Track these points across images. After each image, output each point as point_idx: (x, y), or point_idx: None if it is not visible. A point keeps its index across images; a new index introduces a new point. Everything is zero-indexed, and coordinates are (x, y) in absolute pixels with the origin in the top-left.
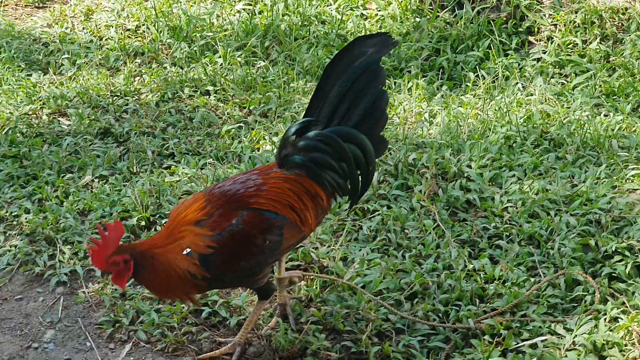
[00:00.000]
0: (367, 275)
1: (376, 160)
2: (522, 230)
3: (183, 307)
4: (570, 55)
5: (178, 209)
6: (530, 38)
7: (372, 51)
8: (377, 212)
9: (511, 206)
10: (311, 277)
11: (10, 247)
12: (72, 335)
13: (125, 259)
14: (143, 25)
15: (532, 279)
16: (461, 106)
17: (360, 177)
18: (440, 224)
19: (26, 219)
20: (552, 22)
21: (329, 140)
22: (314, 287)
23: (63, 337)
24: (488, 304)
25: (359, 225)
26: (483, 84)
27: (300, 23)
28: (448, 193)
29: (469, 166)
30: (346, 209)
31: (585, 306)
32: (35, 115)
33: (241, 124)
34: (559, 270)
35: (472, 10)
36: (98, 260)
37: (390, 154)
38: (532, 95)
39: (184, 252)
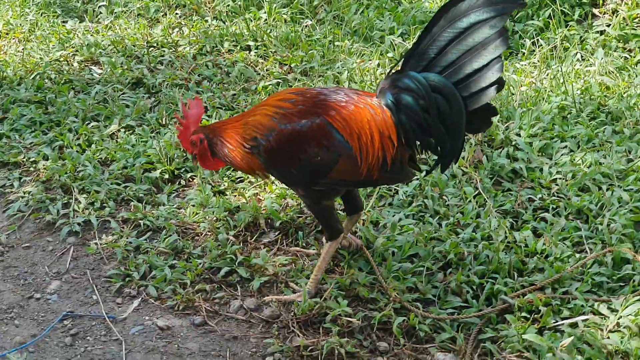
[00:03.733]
0: (398, 241)
1: (467, 132)
2: (570, 203)
3: (199, 264)
4: (635, 29)
5: (273, 95)
6: (595, 10)
7: (499, 6)
8: (415, 177)
9: (560, 178)
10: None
11: (24, 193)
12: (79, 287)
13: (200, 138)
14: None
15: (577, 255)
16: (515, 74)
17: (447, 138)
18: (482, 192)
19: (44, 165)
20: None
21: (418, 84)
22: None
23: (68, 289)
24: (527, 278)
25: (394, 189)
26: (540, 52)
27: None
28: (493, 161)
29: (518, 134)
30: None
31: (633, 286)
32: (66, 62)
33: (280, 81)
34: (607, 247)
35: None
36: (183, 140)
37: None
38: (591, 66)
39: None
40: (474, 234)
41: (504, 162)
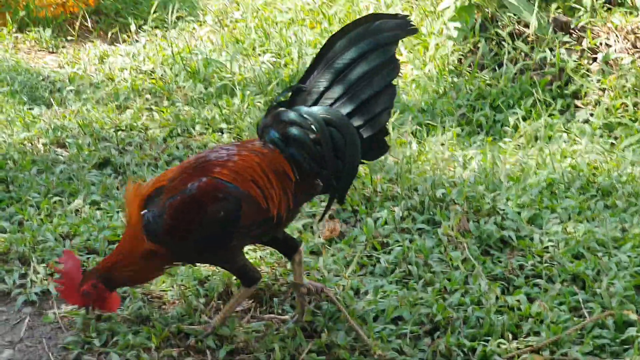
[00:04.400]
0: (381, 303)
1: (362, 161)
2: (565, 269)
3: (164, 328)
4: (619, 118)
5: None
6: (577, 102)
7: (389, 33)
8: (398, 244)
9: (552, 245)
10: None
11: None
12: (33, 355)
13: (92, 284)
14: (159, 68)
15: (575, 319)
16: (500, 153)
17: (340, 170)
18: (470, 256)
19: (1, 238)
20: (600, 86)
21: (308, 117)
22: (320, 314)
23: (22, 358)
24: (523, 339)
25: (376, 258)
26: (524, 133)
27: None
28: (481, 228)
29: (505, 205)
30: (363, 242)
31: (639, 348)
32: (30, 144)
33: None
34: (608, 311)
35: (514, 67)
36: (71, 298)
37: (417, 189)
38: (578, 145)
39: (142, 212)
40: (462, 298)
41: (492, 229)
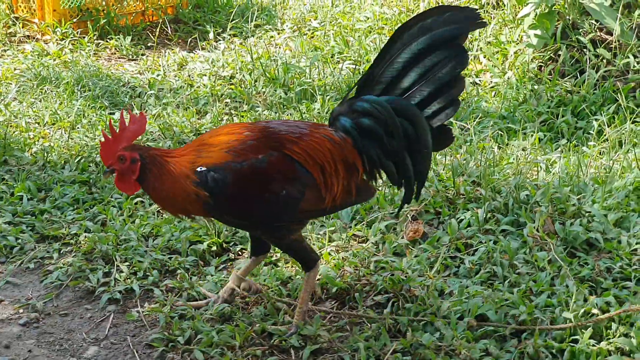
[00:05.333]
0: (465, 304)
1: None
2: None
3: (248, 327)
4: None
5: (214, 130)
6: None
7: (457, 25)
8: (482, 245)
9: None
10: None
11: (63, 264)
12: (118, 352)
13: (133, 157)
14: (238, 73)
15: None
16: (583, 158)
17: (411, 163)
18: (557, 257)
19: (85, 237)
20: None
21: (381, 108)
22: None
23: (107, 355)
24: (612, 342)
25: (459, 259)
26: (608, 138)
27: None
28: (566, 230)
29: (591, 207)
30: (446, 243)
31: None
32: None
33: None
34: None
35: (596, 74)
36: (107, 151)
37: (500, 192)
38: None
39: (198, 169)
40: (549, 299)
41: (578, 231)
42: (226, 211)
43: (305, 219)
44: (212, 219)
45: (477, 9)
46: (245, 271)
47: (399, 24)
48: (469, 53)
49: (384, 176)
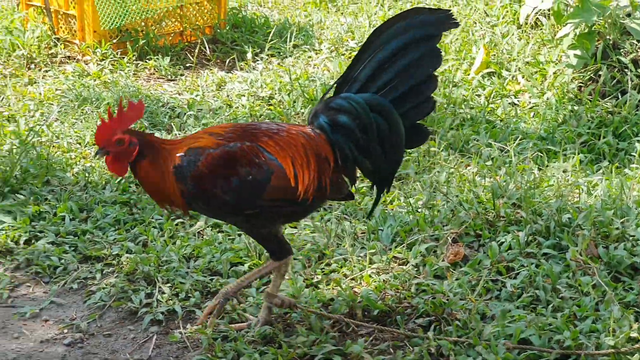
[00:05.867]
0: (508, 328)
1: (406, 149)
2: None
3: (290, 349)
4: None
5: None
6: None
7: (431, 26)
8: (524, 269)
9: None
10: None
11: (106, 284)
12: None
13: (132, 141)
14: (277, 94)
15: None
16: (626, 180)
17: (384, 158)
18: (601, 281)
19: (127, 258)
20: None
21: (354, 104)
22: (447, 340)
23: None
24: None
25: (501, 283)
26: None
27: (445, 104)
28: (610, 254)
29: (635, 231)
30: (487, 266)
31: None
32: None
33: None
34: None
35: (638, 94)
36: (103, 133)
37: (541, 214)
38: None
39: (178, 154)
40: (594, 325)
41: (623, 255)
42: (198, 196)
43: (275, 208)
44: (190, 211)
45: (450, 11)
46: (273, 287)
47: None
48: (442, 53)
49: (359, 173)
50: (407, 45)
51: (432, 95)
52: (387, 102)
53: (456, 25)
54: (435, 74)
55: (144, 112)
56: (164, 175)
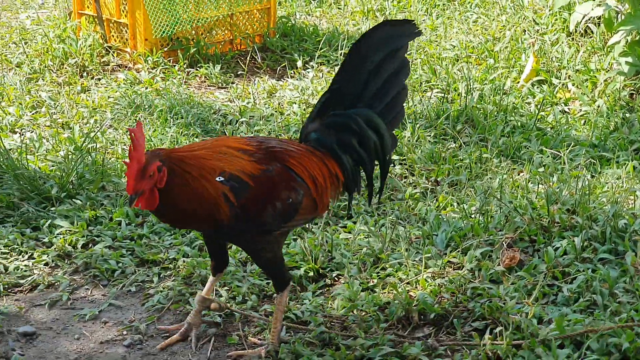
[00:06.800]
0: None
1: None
2: None
3: (348, 352)
4: None
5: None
6: None
7: (400, 38)
8: (580, 273)
9: None
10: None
11: (163, 288)
12: None
13: (158, 166)
14: None
15: None
16: None
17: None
18: None
19: (184, 262)
20: None
21: (355, 121)
22: (503, 342)
23: None
24: None
25: (557, 287)
26: None
27: (496, 111)
28: None
29: None
30: (543, 271)
31: None
32: None
33: (426, 190)
34: None
35: None
36: (133, 178)
37: (596, 220)
38: None
39: (217, 179)
40: None
41: None
42: (241, 218)
43: (300, 225)
44: (217, 228)
45: (413, 21)
46: (208, 291)
47: (485, 52)
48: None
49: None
50: (387, 57)
51: (404, 105)
52: (378, 117)
53: (420, 34)
54: (406, 83)
55: (143, 127)
56: (204, 190)
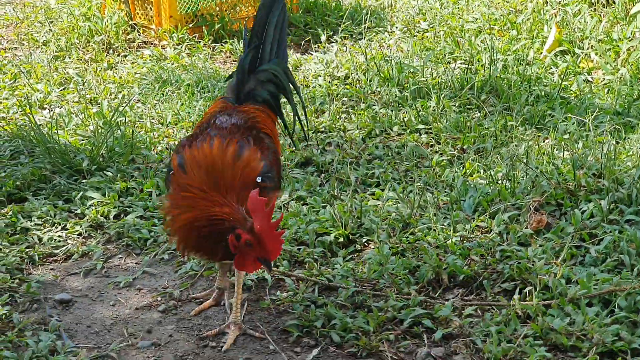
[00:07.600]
0: (594, 290)
1: None
2: None
3: (380, 313)
4: None
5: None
6: None
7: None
8: (607, 235)
9: None
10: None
11: None
12: (254, 338)
13: (247, 241)
14: (353, 73)
15: None
16: None
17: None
18: None
19: None
20: None
21: (281, 72)
22: (533, 301)
23: (244, 340)
24: None
25: (585, 249)
26: None
27: (519, 81)
28: None
29: None
30: (570, 233)
31: None
32: None
33: (453, 158)
34: None
35: None
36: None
37: (622, 183)
38: None
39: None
40: None
41: None
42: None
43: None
44: None
45: None
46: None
47: (507, 24)
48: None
49: None
50: (282, 13)
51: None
52: (286, 64)
53: None
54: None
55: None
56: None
